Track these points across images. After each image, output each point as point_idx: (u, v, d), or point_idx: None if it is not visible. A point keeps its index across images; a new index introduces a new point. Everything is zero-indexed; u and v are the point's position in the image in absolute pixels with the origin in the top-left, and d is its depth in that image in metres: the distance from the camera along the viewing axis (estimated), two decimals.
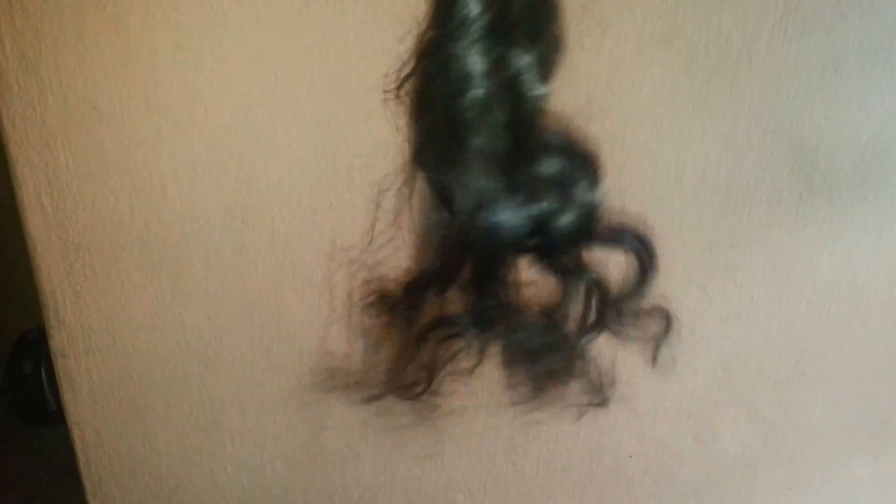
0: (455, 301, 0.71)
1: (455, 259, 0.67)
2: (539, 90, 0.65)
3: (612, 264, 0.74)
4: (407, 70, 0.64)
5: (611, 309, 0.74)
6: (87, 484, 0.75)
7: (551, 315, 0.73)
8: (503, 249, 0.68)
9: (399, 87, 0.65)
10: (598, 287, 0.74)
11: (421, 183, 0.68)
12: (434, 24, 0.63)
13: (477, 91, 0.62)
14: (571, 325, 0.74)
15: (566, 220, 0.68)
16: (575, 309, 0.74)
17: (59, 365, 0.70)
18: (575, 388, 0.79)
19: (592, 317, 0.75)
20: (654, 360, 0.80)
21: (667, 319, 0.79)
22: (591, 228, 0.71)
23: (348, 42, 0.65)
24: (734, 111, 0.72)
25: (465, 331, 0.71)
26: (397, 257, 0.71)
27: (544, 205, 0.67)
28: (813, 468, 0.94)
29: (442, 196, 0.66)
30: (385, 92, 0.65)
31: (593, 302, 0.74)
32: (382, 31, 0.65)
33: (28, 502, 1.11)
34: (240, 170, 0.68)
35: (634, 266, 0.75)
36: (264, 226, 0.70)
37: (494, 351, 0.75)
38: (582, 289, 0.73)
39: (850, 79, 0.72)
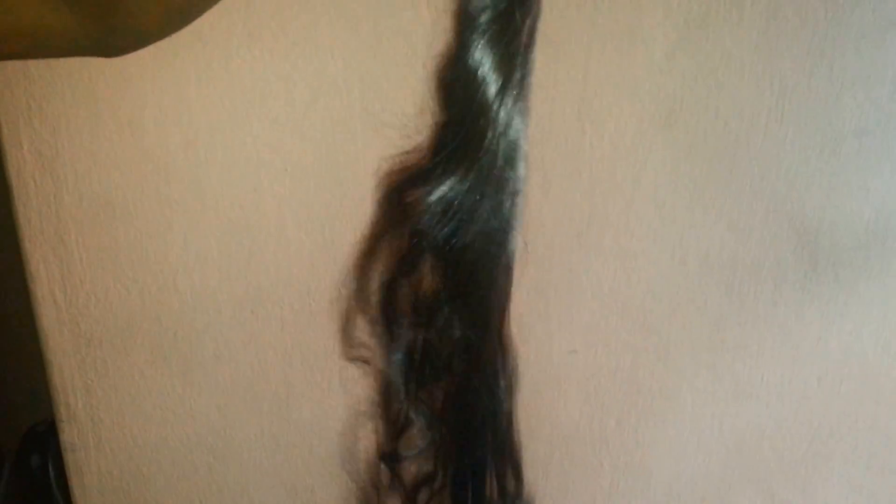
0: None
1: None
2: None
3: None
4: None
5: None
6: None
7: None
8: None
9: None
10: None
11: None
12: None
13: None
14: None
15: None
16: None
17: (69, 459, 0.70)
18: None
19: None
20: None
21: None
22: None
23: (356, 134, 0.67)
24: (735, 192, 0.74)
25: None
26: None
27: None
28: None
29: None
30: None
31: None
32: (391, 129, 0.67)
33: None
34: (249, 261, 0.69)
35: None
36: (273, 316, 0.70)
37: None
38: None
39: (849, 158, 0.74)
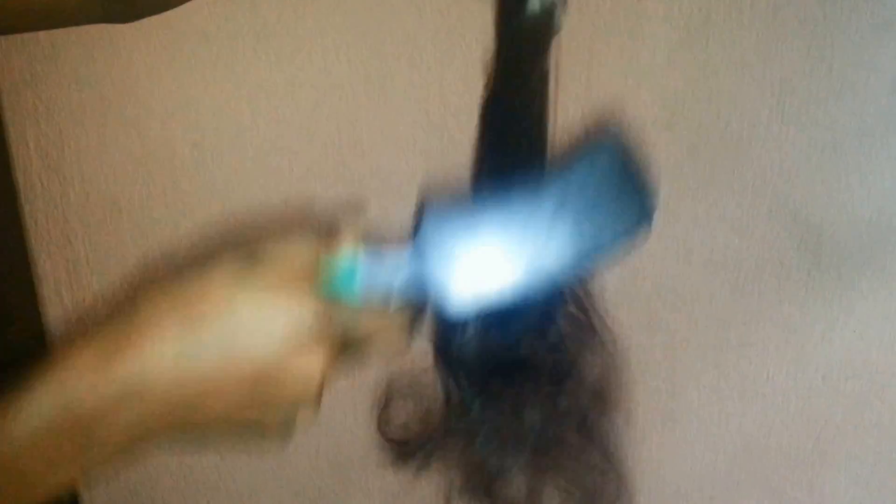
0: None
1: None
2: None
3: None
4: None
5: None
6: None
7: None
8: None
9: None
10: None
11: None
12: None
13: None
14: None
15: None
16: None
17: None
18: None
19: None
20: None
21: None
22: None
23: (361, 138, 0.68)
24: (738, 192, 0.74)
25: None
26: None
27: None
28: None
29: None
30: None
31: None
32: (395, 132, 0.67)
33: None
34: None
35: None
36: None
37: None
38: None
39: (850, 158, 0.74)
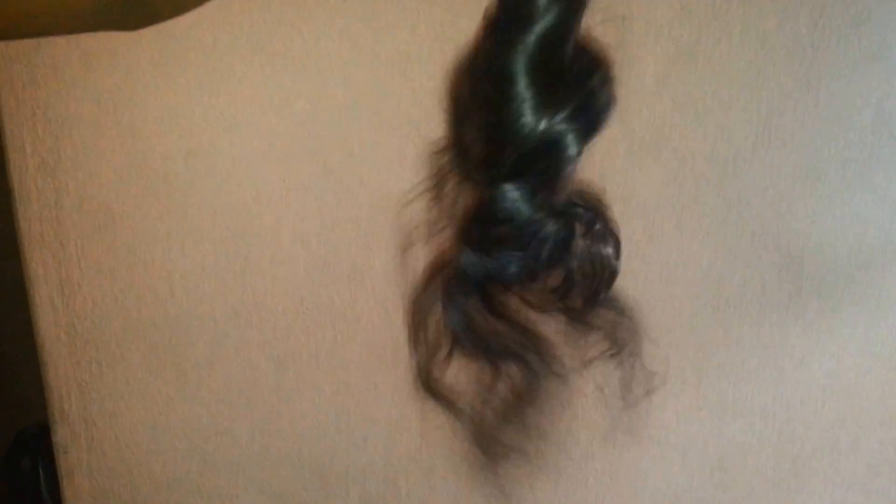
0: None
1: None
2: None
3: None
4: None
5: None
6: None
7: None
8: None
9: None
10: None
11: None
12: None
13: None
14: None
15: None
16: None
17: (61, 460, 0.71)
18: None
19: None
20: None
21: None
22: None
23: (353, 151, 0.69)
24: (722, 214, 0.75)
25: None
26: None
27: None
28: None
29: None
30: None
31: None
32: (386, 145, 0.68)
33: None
34: (245, 270, 0.70)
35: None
36: (267, 323, 0.71)
37: None
38: None
39: (833, 185, 0.76)
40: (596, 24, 0.68)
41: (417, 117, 0.69)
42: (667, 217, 0.75)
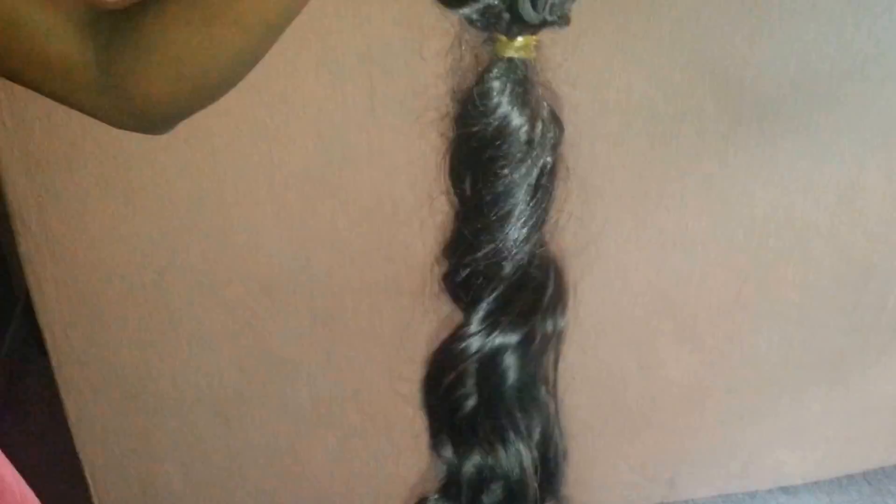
0: None
1: None
2: None
3: None
4: None
5: None
6: (61, 385, 0.84)
7: None
8: None
9: None
10: None
11: None
12: None
13: None
14: None
15: None
16: None
17: (28, 271, 0.79)
18: None
19: None
20: None
21: None
22: None
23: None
24: (655, 39, 0.74)
25: None
26: None
27: None
28: (763, 400, 0.96)
29: None
30: None
31: None
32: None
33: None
34: None
35: None
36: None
37: None
38: None
39: (773, 8, 0.74)
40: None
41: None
42: (597, 44, 0.74)
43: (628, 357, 0.91)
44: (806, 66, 0.77)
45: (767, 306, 0.89)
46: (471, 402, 0.42)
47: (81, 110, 0.38)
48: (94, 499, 0.91)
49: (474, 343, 0.40)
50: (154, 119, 0.39)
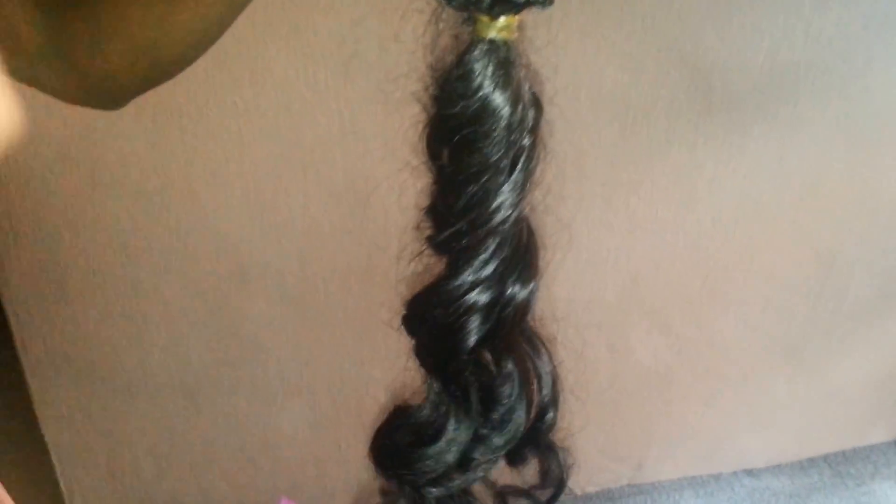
0: None
1: None
2: None
3: None
4: None
5: None
6: (25, 365, 0.84)
7: None
8: None
9: None
10: None
11: None
12: None
13: None
14: None
15: None
16: None
17: None
18: None
19: None
20: None
21: None
22: None
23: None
24: (627, 29, 0.75)
25: None
26: None
27: None
28: (729, 386, 0.98)
29: None
30: None
31: None
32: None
33: None
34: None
35: None
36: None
37: None
38: None
39: (743, 1, 0.75)
40: None
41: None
42: (571, 32, 0.74)
43: (598, 342, 0.92)
44: (774, 58, 0.78)
45: (734, 294, 0.91)
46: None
47: (21, 80, 0.36)
48: (60, 482, 0.90)
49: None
50: (109, 94, 0.37)
